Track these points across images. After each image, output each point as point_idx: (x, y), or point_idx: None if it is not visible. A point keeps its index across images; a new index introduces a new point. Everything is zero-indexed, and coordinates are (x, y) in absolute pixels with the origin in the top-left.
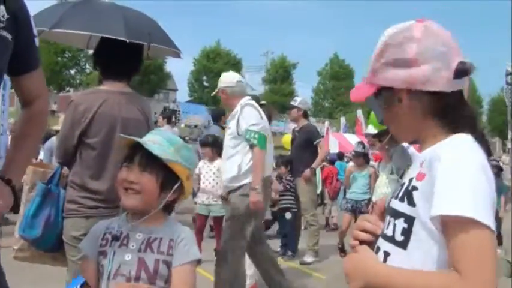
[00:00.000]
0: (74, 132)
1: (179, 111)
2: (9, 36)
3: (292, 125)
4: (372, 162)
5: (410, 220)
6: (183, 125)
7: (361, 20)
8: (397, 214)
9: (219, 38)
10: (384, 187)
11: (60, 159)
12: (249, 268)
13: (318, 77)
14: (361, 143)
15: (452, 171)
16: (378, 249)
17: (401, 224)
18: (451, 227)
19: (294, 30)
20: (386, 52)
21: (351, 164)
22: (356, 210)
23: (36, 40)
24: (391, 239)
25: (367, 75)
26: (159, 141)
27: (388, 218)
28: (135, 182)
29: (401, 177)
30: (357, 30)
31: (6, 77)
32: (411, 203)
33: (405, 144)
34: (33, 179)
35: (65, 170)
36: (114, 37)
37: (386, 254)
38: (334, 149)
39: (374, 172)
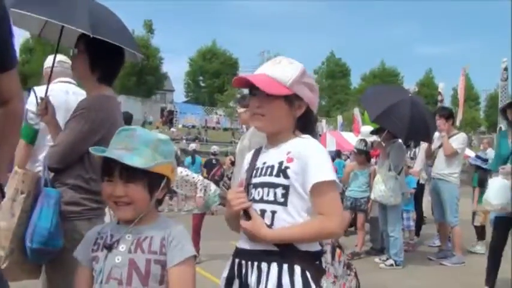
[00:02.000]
0: (92, 139)
1: (176, 111)
2: None
3: None
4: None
5: (286, 187)
6: (180, 126)
7: (357, 19)
8: (275, 185)
9: (215, 38)
10: (381, 184)
11: (62, 165)
12: None
13: (314, 76)
14: (363, 140)
15: (317, 154)
16: (265, 211)
17: (280, 190)
18: (320, 187)
19: (290, 29)
20: (304, 77)
21: (350, 161)
22: (356, 207)
23: (14, 39)
24: (273, 202)
25: (287, 82)
26: (133, 145)
27: (266, 189)
28: (122, 196)
29: (399, 173)
30: (353, 29)
31: None
32: (286, 177)
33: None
34: (31, 187)
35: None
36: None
37: (274, 212)
38: (331, 147)
39: (374, 171)
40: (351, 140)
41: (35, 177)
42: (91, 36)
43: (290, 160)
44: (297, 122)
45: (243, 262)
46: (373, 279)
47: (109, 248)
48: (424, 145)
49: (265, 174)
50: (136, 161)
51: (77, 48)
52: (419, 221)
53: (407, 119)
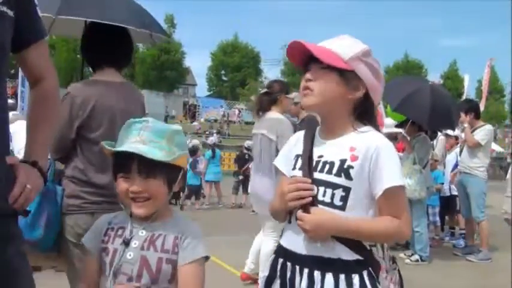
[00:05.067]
0: (73, 125)
1: (199, 105)
2: (10, 12)
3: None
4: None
5: (347, 190)
6: (202, 120)
7: (380, 11)
8: (334, 186)
9: (237, 31)
10: (405, 178)
11: (56, 155)
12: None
13: None
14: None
15: (388, 156)
16: None
17: (339, 192)
18: (392, 192)
19: (313, 22)
20: (367, 56)
21: None
22: None
23: (38, 10)
24: (330, 204)
25: (346, 56)
26: (148, 138)
27: (322, 188)
28: (141, 191)
29: (424, 167)
30: (376, 21)
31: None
32: (348, 177)
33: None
34: None
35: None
36: (97, 21)
37: None
38: None
39: None
40: None
41: None
42: (53, 17)
43: (354, 158)
44: (355, 112)
45: (289, 264)
46: None
47: (127, 243)
48: (442, 137)
49: (321, 171)
50: (157, 154)
51: None
52: (443, 214)
53: (428, 105)
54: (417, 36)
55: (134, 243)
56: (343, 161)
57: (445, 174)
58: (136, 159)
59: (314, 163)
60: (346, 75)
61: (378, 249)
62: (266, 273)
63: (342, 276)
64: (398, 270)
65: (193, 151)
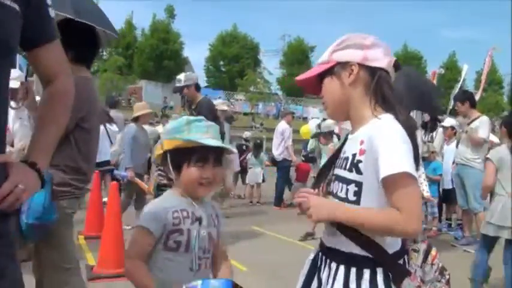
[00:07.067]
0: (77, 115)
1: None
2: (16, 7)
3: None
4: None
5: (359, 184)
6: None
7: (379, 2)
8: (348, 181)
9: (236, 22)
10: None
11: None
12: None
13: None
14: None
15: (386, 144)
16: None
17: (352, 188)
18: (390, 181)
19: (312, 12)
20: (344, 42)
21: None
22: None
23: (51, 10)
24: (345, 199)
25: (325, 58)
26: (215, 134)
27: (339, 184)
28: (210, 177)
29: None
30: (375, 11)
31: (23, 66)
32: (358, 172)
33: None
34: None
35: None
36: (62, 14)
37: None
38: None
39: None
40: None
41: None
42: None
43: (362, 152)
44: (374, 95)
45: (320, 254)
46: None
47: (201, 222)
48: (441, 129)
49: (340, 167)
50: (229, 145)
51: None
52: (440, 206)
53: (403, 90)
54: (416, 27)
55: (204, 222)
56: (354, 156)
57: (444, 166)
58: (213, 151)
59: (338, 160)
60: (333, 70)
61: (418, 256)
62: (311, 257)
63: (354, 270)
64: (448, 283)
65: None
